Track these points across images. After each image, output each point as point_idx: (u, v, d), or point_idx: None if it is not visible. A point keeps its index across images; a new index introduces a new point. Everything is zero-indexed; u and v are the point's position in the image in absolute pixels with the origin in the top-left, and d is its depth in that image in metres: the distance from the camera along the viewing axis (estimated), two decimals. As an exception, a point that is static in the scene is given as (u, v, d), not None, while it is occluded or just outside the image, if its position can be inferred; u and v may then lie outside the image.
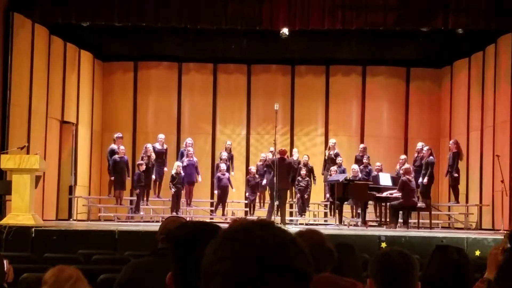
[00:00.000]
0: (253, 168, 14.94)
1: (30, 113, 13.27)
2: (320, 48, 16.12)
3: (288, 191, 13.90)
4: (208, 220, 15.20)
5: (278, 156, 13.07)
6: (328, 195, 14.68)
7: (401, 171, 13.19)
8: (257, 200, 15.05)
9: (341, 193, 13.04)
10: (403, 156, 14.74)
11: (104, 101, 16.84)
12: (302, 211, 14.75)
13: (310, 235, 3.00)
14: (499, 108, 13.80)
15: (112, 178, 14.58)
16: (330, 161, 14.88)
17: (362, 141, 16.48)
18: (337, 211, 13.73)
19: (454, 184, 14.46)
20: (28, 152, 11.56)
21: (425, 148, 14.22)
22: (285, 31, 13.75)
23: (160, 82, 16.95)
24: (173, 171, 14.35)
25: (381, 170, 14.41)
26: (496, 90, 13.97)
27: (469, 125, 15.36)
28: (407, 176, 12.77)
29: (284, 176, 12.82)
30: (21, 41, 12.96)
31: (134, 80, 16.97)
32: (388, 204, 13.16)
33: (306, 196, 14.62)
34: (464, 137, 15.43)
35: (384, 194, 13.10)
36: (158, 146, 14.89)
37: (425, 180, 13.80)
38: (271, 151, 14.24)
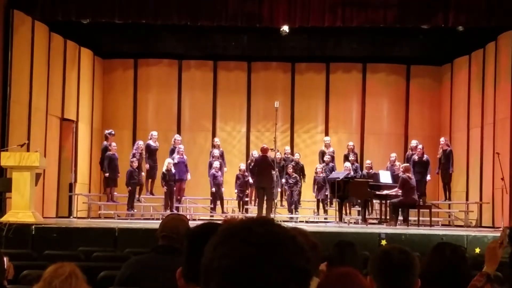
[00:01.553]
0: (242, 166, 14.96)
1: (30, 111, 13.27)
2: (320, 45, 16.12)
3: (279, 189, 14.02)
4: (208, 218, 15.25)
5: (260, 154, 13.15)
6: (314, 193, 14.79)
7: (401, 169, 13.19)
8: (250, 198, 15.08)
9: (341, 191, 13.05)
10: (393, 154, 14.83)
11: (104, 98, 16.84)
12: (295, 208, 14.75)
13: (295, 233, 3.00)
14: (499, 106, 13.80)
15: (107, 174, 14.61)
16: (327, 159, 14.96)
17: (362, 139, 16.48)
18: (324, 208, 13.87)
19: (449, 182, 14.58)
20: (28, 150, 11.57)
21: (420, 147, 14.33)
22: (285, 28, 13.75)
23: (160, 80, 16.95)
24: (164, 169, 14.33)
25: (371, 168, 14.54)
26: (496, 88, 13.98)
27: (469, 122, 15.37)
28: (407, 174, 12.77)
29: (268, 174, 12.86)
30: (21, 38, 12.95)
31: (134, 77, 16.96)
32: (388, 201, 13.18)
33: (296, 192, 14.63)
34: (464, 134, 15.44)
35: (384, 193, 13.10)
36: (152, 143, 14.88)
37: (429, 177, 14.02)
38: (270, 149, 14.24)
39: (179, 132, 16.65)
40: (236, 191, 14.84)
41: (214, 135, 16.85)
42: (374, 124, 16.89)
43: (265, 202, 13.03)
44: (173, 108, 16.97)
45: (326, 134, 16.65)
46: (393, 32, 14.52)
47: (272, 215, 12.34)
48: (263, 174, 12.95)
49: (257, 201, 13.52)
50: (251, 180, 14.53)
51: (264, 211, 12.93)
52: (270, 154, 13.51)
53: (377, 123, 16.92)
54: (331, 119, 16.96)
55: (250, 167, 14.42)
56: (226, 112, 17.05)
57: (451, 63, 16.42)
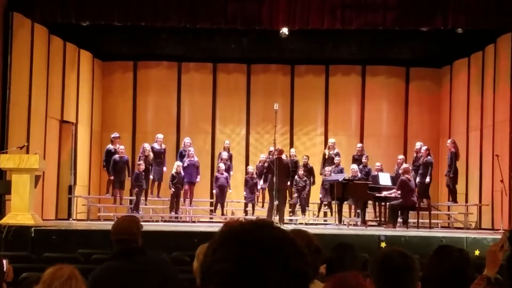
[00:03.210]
0: (251, 168, 14.96)
1: (30, 113, 13.27)
2: (320, 48, 16.11)
3: (287, 191, 13.90)
4: (208, 220, 15.24)
5: (276, 156, 13.04)
6: (320, 195, 14.71)
7: (400, 171, 13.19)
8: (257, 200, 15.08)
9: (341, 193, 13.03)
10: (401, 156, 14.79)
11: (104, 100, 16.84)
12: (302, 210, 14.76)
13: (297, 235, 2.99)
14: (499, 108, 13.81)
15: (112, 177, 14.58)
16: (330, 161, 14.88)
17: (361, 141, 16.47)
18: (334, 210, 13.77)
19: (449, 184, 14.53)
20: (27, 152, 11.55)
21: (423, 148, 14.27)
22: (284, 30, 13.74)
23: (159, 82, 16.95)
24: (173, 171, 14.37)
25: (381, 170, 14.42)
26: (495, 90, 13.98)
27: (469, 124, 15.37)
28: (406, 176, 12.77)
29: (283, 176, 12.78)
30: (21, 41, 12.95)
31: (134, 79, 16.96)
32: (387, 203, 13.17)
33: (304, 195, 14.61)
34: (464, 136, 15.44)
35: (383, 194, 13.09)
36: (156, 146, 14.88)
37: (427, 179, 13.90)
38: (270, 151, 14.23)
39: (178, 134, 16.67)
40: (245, 194, 14.85)
41: (213, 137, 16.87)
42: (373, 127, 16.89)
43: (275, 206, 12.75)
44: (173, 110, 16.96)
45: (326, 136, 16.65)
46: (393, 34, 14.52)
47: (272, 218, 12.30)
48: (279, 176, 12.70)
49: (269, 204, 13.30)
50: (260, 183, 14.50)
51: (270, 216, 12.78)
52: (287, 156, 13.46)
53: (377, 125, 16.92)
54: (331, 122, 16.96)
55: (265, 169, 14.20)
56: (225, 114, 17.05)
57: (450, 66, 16.43)
